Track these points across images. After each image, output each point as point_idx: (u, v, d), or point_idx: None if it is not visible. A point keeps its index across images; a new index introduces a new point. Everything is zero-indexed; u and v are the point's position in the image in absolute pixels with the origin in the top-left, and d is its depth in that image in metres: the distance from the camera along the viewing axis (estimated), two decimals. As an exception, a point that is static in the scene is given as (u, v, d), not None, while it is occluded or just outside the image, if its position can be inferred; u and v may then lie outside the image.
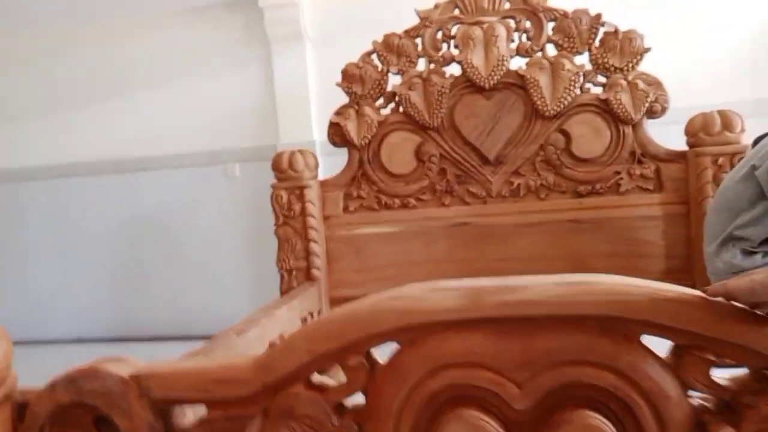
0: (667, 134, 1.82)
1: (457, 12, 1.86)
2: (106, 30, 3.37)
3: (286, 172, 1.91)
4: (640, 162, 1.79)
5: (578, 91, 1.79)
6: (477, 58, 1.82)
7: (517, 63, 1.82)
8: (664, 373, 0.57)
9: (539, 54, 1.81)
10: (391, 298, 0.62)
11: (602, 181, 1.81)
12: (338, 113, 1.94)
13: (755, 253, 1.30)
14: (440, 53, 1.87)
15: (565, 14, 1.79)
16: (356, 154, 1.94)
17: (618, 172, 1.80)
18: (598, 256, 1.81)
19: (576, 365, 0.58)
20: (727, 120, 1.68)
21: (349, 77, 1.91)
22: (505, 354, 0.60)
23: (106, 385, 0.66)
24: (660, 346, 0.60)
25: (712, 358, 0.56)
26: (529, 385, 0.59)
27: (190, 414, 0.70)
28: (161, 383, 0.66)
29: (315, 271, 1.91)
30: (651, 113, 1.77)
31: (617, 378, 0.57)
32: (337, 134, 1.94)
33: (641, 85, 1.75)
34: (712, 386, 0.57)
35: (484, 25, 1.82)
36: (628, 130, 1.79)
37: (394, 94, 1.90)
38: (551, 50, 1.82)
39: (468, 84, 1.84)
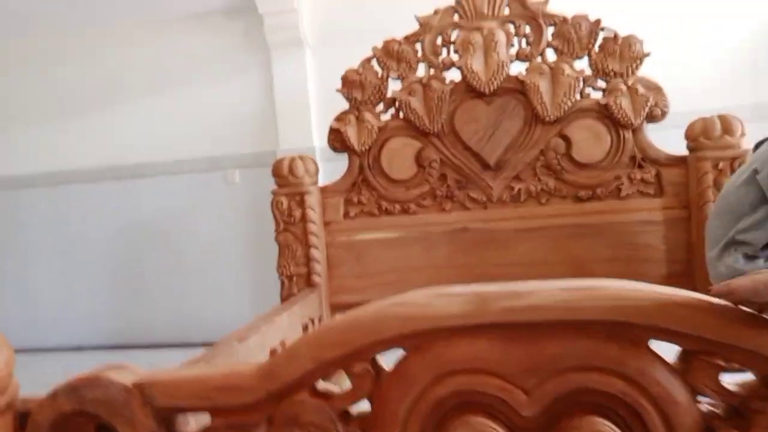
0: (666, 139, 1.82)
1: (456, 17, 1.87)
2: (106, 36, 3.37)
3: (287, 178, 1.91)
4: (640, 166, 1.79)
5: (578, 96, 1.80)
6: (477, 64, 1.82)
7: (517, 68, 1.83)
8: (673, 378, 0.57)
9: (539, 59, 1.82)
10: (395, 305, 0.61)
11: (603, 185, 1.81)
12: (338, 119, 1.94)
13: (758, 257, 1.30)
14: (440, 59, 1.87)
15: (564, 19, 1.79)
16: (356, 160, 1.94)
17: (618, 177, 1.80)
18: (598, 260, 1.81)
19: (583, 371, 0.58)
20: (727, 124, 1.68)
21: (350, 83, 1.91)
22: (511, 360, 0.59)
23: (109, 394, 0.65)
24: (667, 351, 0.60)
25: (722, 363, 0.56)
26: (536, 391, 0.59)
27: (193, 422, 0.70)
28: (164, 391, 0.66)
29: (315, 277, 1.90)
30: (651, 118, 1.77)
31: (625, 384, 0.57)
32: (337, 140, 1.94)
33: (641, 89, 1.75)
34: (722, 392, 0.56)
35: (484, 31, 1.82)
36: (629, 134, 1.79)
37: (394, 99, 1.90)
38: (551, 55, 1.82)
39: (468, 89, 1.84)
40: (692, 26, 2.79)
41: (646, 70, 1.78)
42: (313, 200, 1.91)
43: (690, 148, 1.74)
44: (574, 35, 1.78)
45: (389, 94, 1.91)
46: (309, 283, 1.91)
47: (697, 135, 1.70)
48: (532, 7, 1.81)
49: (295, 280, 1.91)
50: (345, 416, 0.65)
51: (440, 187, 1.89)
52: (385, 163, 1.92)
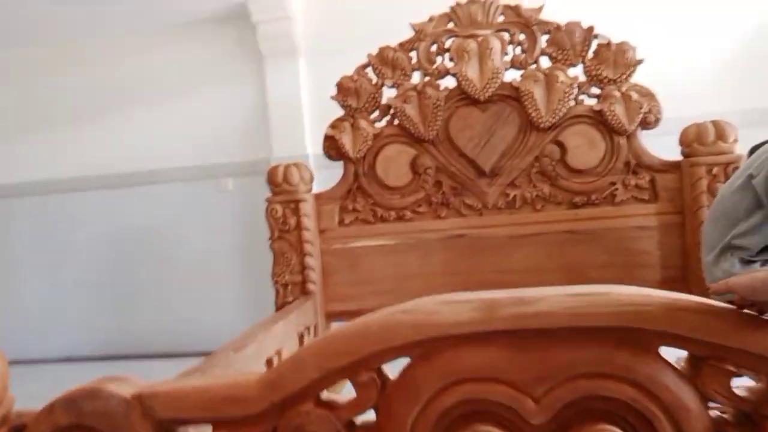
0: (659, 144, 1.83)
1: (451, 25, 1.87)
2: (98, 47, 3.35)
3: (281, 186, 1.90)
4: (635, 172, 1.80)
5: (573, 103, 1.80)
6: (471, 71, 1.82)
7: (512, 75, 1.83)
8: (683, 384, 0.56)
9: (533, 66, 1.82)
10: (403, 312, 0.60)
11: (597, 191, 1.81)
12: (333, 126, 1.93)
13: (754, 261, 1.30)
14: (435, 66, 1.87)
15: (558, 27, 1.80)
16: (351, 167, 1.93)
17: (613, 183, 1.81)
18: (594, 266, 1.81)
19: (593, 378, 0.57)
20: (720, 130, 1.69)
21: (344, 90, 1.91)
22: (520, 367, 0.59)
23: (108, 406, 0.64)
24: (672, 357, 0.59)
25: (732, 369, 0.55)
26: (545, 399, 0.58)
27: (195, 434, 0.68)
28: (165, 403, 0.64)
29: (310, 285, 1.89)
30: (645, 124, 1.78)
31: (635, 390, 0.56)
32: (332, 147, 1.93)
33: (635, 96, 1.76)
34: (732, 398, 0.56)
35: (479, 38, 1.82)
36: (623, 140, 1.79)
37: (389, 107, 1.90)
38: (545, 62, 1.83)
39: (463, 96, 1.85)
40: (683, 33, 2.83)
41: (639, 77, 1.79)
42: (308, 208, 1.90)
43: (684, 154, 1.75)
44: (568, 42, 1.79)
45: (384, 102, 1.91)
46: (304, 291, 1.89)
47: (691, 141, 1.72)
48: (526, 14, 1.81)
49: (290, 288, 1.90)
50: (350, 426, 0.64)
51: (435, 194, 1.89)
52: (380, 170, 1.91)
